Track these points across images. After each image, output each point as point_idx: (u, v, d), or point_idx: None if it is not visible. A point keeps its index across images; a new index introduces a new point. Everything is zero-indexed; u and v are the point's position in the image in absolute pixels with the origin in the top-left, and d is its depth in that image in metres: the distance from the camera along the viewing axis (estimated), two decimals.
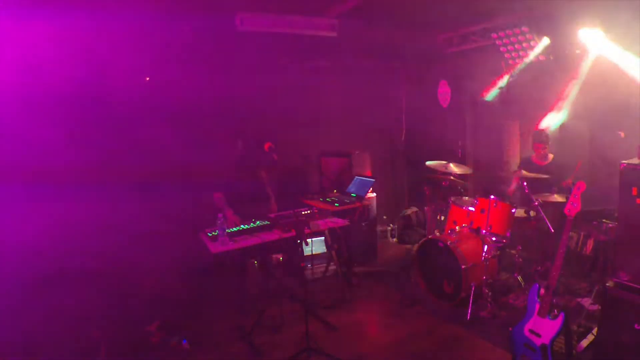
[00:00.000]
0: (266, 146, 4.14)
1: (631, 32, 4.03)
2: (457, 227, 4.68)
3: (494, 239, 4.41)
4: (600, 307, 3.57)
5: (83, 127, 4.47)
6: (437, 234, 4.68)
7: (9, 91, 3.92)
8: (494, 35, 4.97)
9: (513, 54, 5.04)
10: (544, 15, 4.55)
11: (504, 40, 4.94)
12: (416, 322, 4.15)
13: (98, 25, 3.89)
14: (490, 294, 4.18)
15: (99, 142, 4.54)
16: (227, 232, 3.72)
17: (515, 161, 5.70)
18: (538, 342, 2.91)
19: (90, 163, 4.40)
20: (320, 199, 5.21)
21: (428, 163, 5.10)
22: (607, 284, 3.04)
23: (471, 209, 4.66)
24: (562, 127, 5.08)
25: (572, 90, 4.78)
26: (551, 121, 5.04)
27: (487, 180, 5.63)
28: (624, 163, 3.02)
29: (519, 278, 4.56)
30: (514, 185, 4.92)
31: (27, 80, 4.02)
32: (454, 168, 4.94)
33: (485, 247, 4.23)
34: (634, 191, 2.91)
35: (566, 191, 4.39)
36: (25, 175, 3.98)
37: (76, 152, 4.27)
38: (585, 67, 4.62)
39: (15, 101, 3.97)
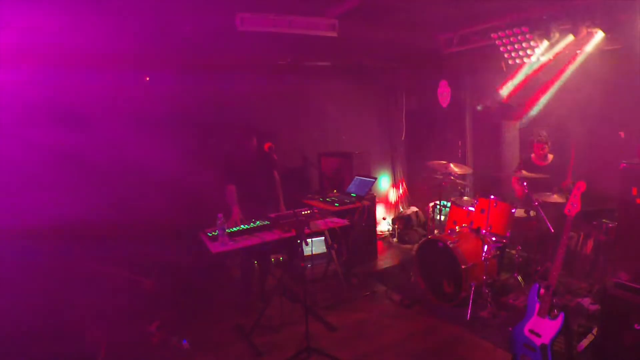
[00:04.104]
0: (266, 146, 4.14)
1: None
2: (457, 227, 4.69)
3: (494, 239, 4.41)
4: (600, 307, 3.58)
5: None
6: (437, 234, 4.68)
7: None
8: (493, 35, 4.97)
9: (513, 54, 5.05)
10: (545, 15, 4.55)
11: (504, 41, 4.94)
12: (416, 322, 4.15)
13: (93, 23, 3.88)
14: (490, 294, 4.18)
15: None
16: (227, 232, 3.72)
17: (515, 161, 5.70)
18: (538, 342, 2.91)
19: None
20: (320, 199, 5.21)
21: (428, 163, 5.10)
22: (607, 284, 3.04)
23: (471, 209, 4.67)
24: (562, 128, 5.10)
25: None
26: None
27: (487, 180, 5.63)
28: (624, 163, 3.02)
29: (519, 278, 4.56)
30: (517, 186, 4.92)
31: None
32: (454, 168, 4.94)
33: (485, 247, 4.23)
34: (634, 191, 2.91)
35: (566, 192, 4.39)
36: None
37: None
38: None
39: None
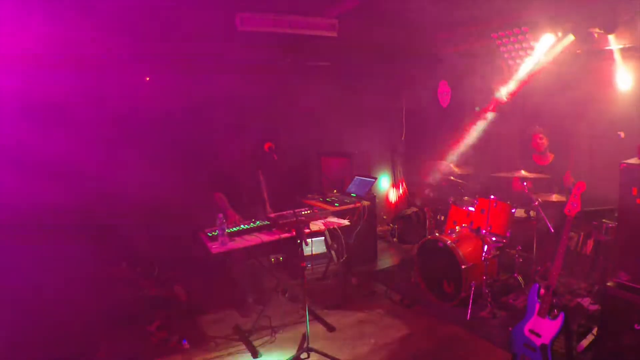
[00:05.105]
0: (266, 146, 4.14)
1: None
2: (457, 227, 4.68)
3: (494, 239, 4.41)
4: (600, 307, 3.57)
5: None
6: (437, 234, 4.68)
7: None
8: (493, 35, 4.97)
9: (513, 54, 5.04)
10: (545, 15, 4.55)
11: (504, 40, 4.94)
12: (416, 322, 4.15)
13: (94, 26, 3.89)
14: (490, 294, 4.18)
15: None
16: (227, 232, 3.72)
17: (514, 161, 5.69)
18: (538, 342, 2.91)
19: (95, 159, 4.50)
20: (320, 199, 5.21)
21: (428, 163, 5.10)
22: (607, 284, 3.04)
23: (471, 209, 4.66)
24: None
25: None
26: None
27: (487, 180, 5.63)
28: (624, 163, 3.02)
29: (519, 278, 4.56)
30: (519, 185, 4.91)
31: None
32: (454, 168, 4.94)
33: (485, 247, 4.23)
34: (634, 191, 2.90)
35: (566, 190, 4.40)
36: None
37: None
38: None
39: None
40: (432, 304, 4.43)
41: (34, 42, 3.79)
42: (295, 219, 3.72)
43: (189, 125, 5.21)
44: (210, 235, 3.85)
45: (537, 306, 3.00)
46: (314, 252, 5.33)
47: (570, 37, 4.49)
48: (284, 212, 4.16)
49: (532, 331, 2.97)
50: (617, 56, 4.43)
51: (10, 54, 3.87)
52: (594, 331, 3.41)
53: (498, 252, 4.45)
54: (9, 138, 4.09)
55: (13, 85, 4.02)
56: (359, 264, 5.51)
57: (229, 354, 3.73)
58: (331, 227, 4.32)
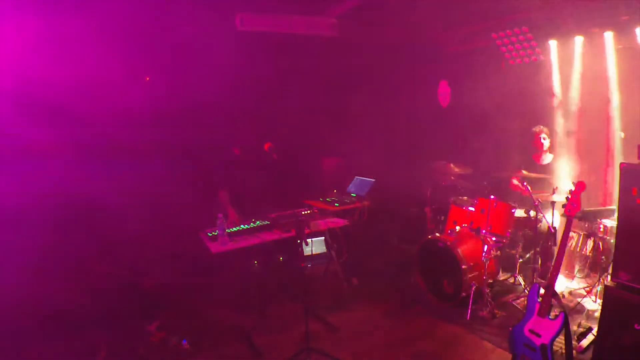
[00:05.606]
0: (266, 146, 4.14)
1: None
2: (457, 227, 4.68)
3: (494, 239, 4.41)
4: (600, 307, 3.57)
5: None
6: (437, 234, 4.68)
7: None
8: (493, 35, 4.97)
9: (513, 54, 5.04)
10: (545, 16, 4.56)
11: (504, 40, 4.94)
12: (416, 322, 4.15)
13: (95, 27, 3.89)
14: (490, 294, 4.18)
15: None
16: (227, 232, 3.72)
17: (515, 161, 5.69)
18: (538, 342, 2.91)
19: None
20: (320, 199, 5.21)
21: (428, 163, 5.10)
22: (607, 284, 3.04)
23: (471, 209, 4.66)
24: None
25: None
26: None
27: (487, 180, 5.63)
28: (624, 163, 3.01)
29: (519, 278, 4.56)
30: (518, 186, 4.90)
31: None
32: (454, 168, 4.94)
33: (485, 247, 4.23)
34: (634, 191, 2.90)
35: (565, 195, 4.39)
36: None
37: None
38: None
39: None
40: (432, 304, 4.43)
41: (32, 39, 3.79)
42: (295, 218, 3.72)
43: (189, 125, 5.21)
44: (211, 235, 3.85)
45: (537, 306, 3.00)
46: (314, 252, 5.33)
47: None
48: (285, 212, 4.16)
49: (532, 331, 2.97)
50: (617, 56, 4.44)
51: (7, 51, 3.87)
52: (594, 331, 3.41)
53: (498, 252, 4.45)
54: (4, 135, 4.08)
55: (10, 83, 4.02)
56: (359, 264, 5.51)
57: (230, 354, 3.73)
58: (331, 227, 4.33)
